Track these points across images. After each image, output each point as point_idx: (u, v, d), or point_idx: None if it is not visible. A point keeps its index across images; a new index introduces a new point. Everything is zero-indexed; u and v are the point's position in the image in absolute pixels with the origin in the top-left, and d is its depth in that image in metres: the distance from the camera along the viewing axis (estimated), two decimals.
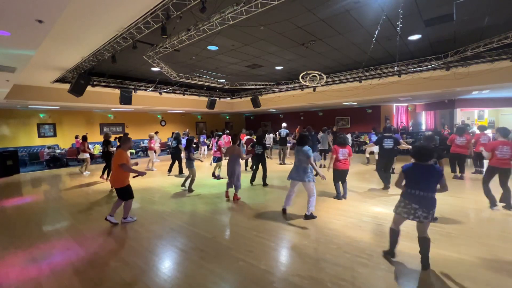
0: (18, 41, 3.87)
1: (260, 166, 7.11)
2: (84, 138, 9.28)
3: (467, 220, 4.25)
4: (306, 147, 4.43)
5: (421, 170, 2.85)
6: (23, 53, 4.44)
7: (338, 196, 5.53)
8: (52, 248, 3.68)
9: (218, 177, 8.07)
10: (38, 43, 3.98)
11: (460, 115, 15.20)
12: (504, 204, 4.69)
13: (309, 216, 4.47)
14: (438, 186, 2.83)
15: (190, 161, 6.47)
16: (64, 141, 13.26)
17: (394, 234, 3.08)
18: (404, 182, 2.98)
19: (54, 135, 13.05)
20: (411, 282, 2.68)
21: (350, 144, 5.51)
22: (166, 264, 3.20)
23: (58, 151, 11.95)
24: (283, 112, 20.04)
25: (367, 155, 10.61)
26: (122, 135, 8.74)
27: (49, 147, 11.77)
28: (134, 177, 4.50)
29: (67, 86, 8.08)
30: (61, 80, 8.41)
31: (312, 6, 4.65)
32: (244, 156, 5.85)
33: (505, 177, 4.61)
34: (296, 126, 17.72)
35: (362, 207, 4.98)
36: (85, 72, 7.47)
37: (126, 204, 4.53)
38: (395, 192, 5.71)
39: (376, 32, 5.58)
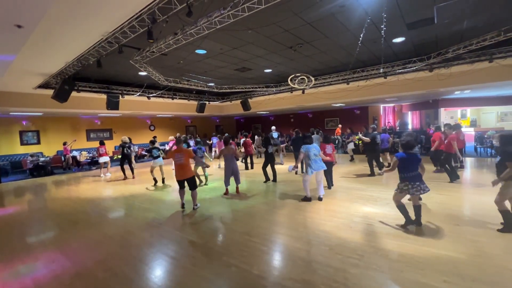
0: None
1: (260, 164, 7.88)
2: (102, 143, 10.03)
3: (453, 217, 4.36)
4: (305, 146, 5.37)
5: (408, 158, 3.78)
6: (2, 59, 4.29)
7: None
8: (36, 261, 3.53)
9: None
10: (18, 49, 3.86)
11: (444, 115, 15.72)
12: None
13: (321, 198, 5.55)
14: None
15: (198, 159, 7.25)
16: (48, 148, 12.84)
17: (402, 208, 3.95)
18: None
19: (38, 143, 12.62)
20: (402, 281, 2.73)
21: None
22: (157, 272, 3.12)
23: (42, 159, 11.55)
24: (273, 114, 20.13)
25: (351, 153, 11.05)
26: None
27: (32, 155, 11.35)
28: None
29: (50, 92, 7.85)
30: (44, 85, 8.17)
31: (299, 10, 4.71)
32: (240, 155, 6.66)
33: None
34: (287, 128, 17.93)
35: (352, 208, 5.03)
36: (69, 77, 7.28)
37: (193, 193, 5.37)
38: (383, 192, 5.83)
39: (362, 35, 5.71)
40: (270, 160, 7.47)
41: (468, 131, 14.35)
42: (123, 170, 9.30)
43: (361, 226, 4.16)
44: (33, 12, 2.80)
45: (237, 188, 6.46)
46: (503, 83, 8.39)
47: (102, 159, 10.06)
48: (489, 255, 3.11)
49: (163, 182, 8.11)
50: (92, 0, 3.46)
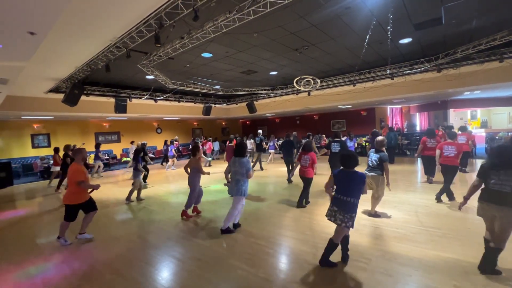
0: (10, 53, 3.86)
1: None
2: (56, 150, 9.10)
3: (463, 220, 4.27)
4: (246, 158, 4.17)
5: (345, 176, 3.05)
6: (14, 64, 4.42)
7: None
8: (46, 262, 3.60)
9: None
10: (30, 55, 3.97)
11: (453, 116, 15.42)
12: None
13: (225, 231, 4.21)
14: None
15: (136, 171, 6.44)
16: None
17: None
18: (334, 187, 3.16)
19: (49, 145, 12.90)
20: (411, 285, 2.67)
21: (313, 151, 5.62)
22: (163, 275, 3.14)
23: (52, 161, 11.77)
24: (279, 117, 20.11)
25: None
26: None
27: (42, 158, 11.60)
28: (90, 192, 4.21)
29: (61, 96, 8.03)
30: (54, 90, 8.36)
31: (304, 13, 4.72)
32: (204, 171, 5.10)
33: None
34: (292, 130, 17.81)
35: (358, 210, 4.96)
36: (79, 81, 7.44)
37: (63, 224, 4.11)
38: (391, 195, 5.73)
39: (368, 36, 5.66)
40: None
41: (479, 133, 14.03)
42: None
43: (368, 229, 4.11)
44: (46, 19, 2.88)
45: (195, 207, 5.32)
46: None
47: (52, 168, 9.41)
48: (500, 259, 3.03)
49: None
50: (101, 6, 3.54)
